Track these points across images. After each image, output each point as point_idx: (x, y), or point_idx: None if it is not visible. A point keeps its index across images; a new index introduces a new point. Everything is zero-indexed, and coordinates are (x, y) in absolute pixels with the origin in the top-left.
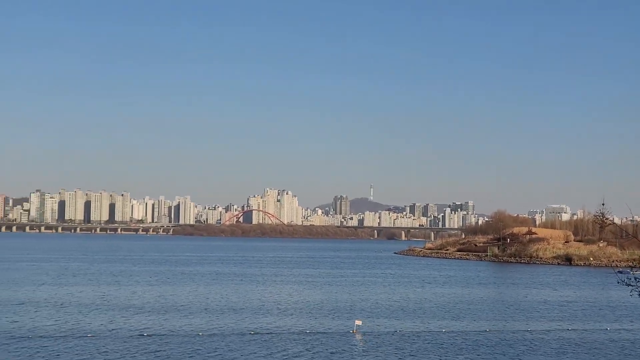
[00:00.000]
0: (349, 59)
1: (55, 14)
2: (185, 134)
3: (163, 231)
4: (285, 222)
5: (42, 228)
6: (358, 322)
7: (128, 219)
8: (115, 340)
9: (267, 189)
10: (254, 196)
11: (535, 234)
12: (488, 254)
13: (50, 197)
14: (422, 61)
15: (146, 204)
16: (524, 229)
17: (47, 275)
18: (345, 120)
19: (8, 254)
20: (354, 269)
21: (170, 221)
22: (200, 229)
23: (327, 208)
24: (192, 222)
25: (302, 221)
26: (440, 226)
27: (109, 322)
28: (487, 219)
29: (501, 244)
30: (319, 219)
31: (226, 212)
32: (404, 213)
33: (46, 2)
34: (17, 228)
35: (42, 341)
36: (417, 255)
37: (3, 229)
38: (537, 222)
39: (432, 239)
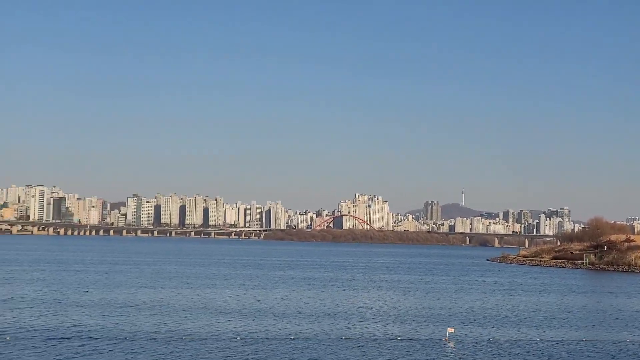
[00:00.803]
0: (443, 64)
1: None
2: (277, 139)
3: (255, 236)
4: (376, 228)
5: (139, 232)
6: (450, 330)
7: (221, 223)
8: (212, 343)
9: (358, 194)
10: (345, 201)
11: (634, 241)
12: (584, 262)
13: (147, 202)
14: (514, 67)
15: (238, 208)
16: (622, 237)
17: (146, 278)
18: (437, 127)
19: (110, 257)
20: (447, 275)
21: (261, 226)
22: (291, 234)
23: (417, 213)
24: (282, 227)
25: (393, 227)
26: (534, 233)
27: (205, 324)
28: (583, 226)
29: (598, 251)
30: (409, 225)
31: (317, 217)
32: (497, 219)
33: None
34: (114, 231)
35: (143, 343)
36: (510, 263)
37: (101, 232)
38: (636, 230)
39: (526, 246)
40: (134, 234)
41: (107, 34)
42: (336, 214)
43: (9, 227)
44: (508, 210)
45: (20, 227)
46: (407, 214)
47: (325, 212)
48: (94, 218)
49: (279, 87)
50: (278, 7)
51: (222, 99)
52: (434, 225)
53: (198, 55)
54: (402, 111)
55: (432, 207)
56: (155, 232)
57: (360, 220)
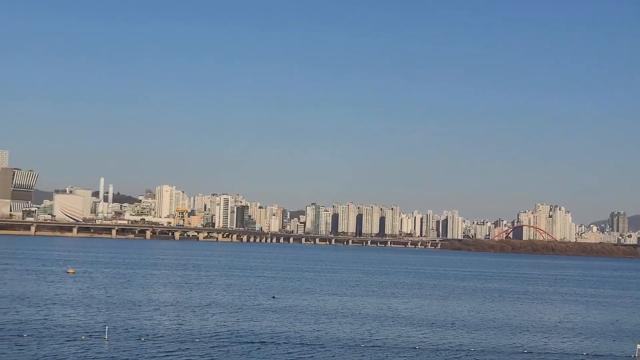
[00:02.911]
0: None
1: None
2: (452, 149)
3: (431, 245)
4: (558, 239)
5: (317, 239)
6: None
7: (397, 233)
8: (395, 352)
9: (539, 204)
10: (525, 211)
11: None
12: None
13: (325, 210)
14: None
15: (414, 217)
16: None
17: (333, 286)
18: (623, 134)
19: (294, 264)
20: (638, 290)
21: (437, 235)
22: (468, 244)
23: (602, 225)
24: (459, 237)
25: (576, 238)
26: None
27: (390, 333)
28: None
29: None
30: (593, 236)
31: (495, 227)
32: None
33: None
34: (294, 239)
35: (331, 349)
36: None
37: (281, 239)
38: None
39: None
40: (312, 242)
41: None
42: (515, 224)
43: (195, 234)
44: None
45: (207, 234)
46: (591, 225)
47: (504, 222)
48: (275, 226)
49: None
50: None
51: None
52: (620, 237)
53: None
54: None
55: (618, 217)
56: (333, 241)
57: (541, 231)
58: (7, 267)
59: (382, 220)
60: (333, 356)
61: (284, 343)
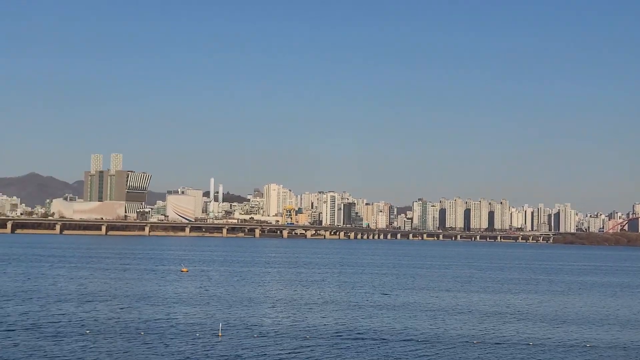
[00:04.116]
0: None
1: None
2: (561, 137)
3: (542, 239)
4: None
5: (424, 235)
6: None
7: (507, 227)
8: (504, 348)
9: None
10: None
11: None
12: None
13: (432, 206)
14: None
15: (525, 211)
16: None
17: (446, 282)
18: None
19: (405, 260)
20: None
21: (549, 229)
22: (582, 238)
23: None
24: (572, 231)
25: None
26: None
27: (509, 330)
28: None
29: None
30: None
31: (609, 219)
32: None
33: None
34: (401, 235)
35: (449, 346)
36: None
37: (389, 236)
38: None
39: None
40: (420, 238)
41: None
42: (631, 216)
43: (303, 231)
44: None
45: (314, 232)
46: None
47: (619, 214)
48: (382, 222)
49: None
50: None
51: (518, 106)
52: None
53: None
54: None
55: None
56: (441, 236)
57: None
58: (127, 266)
59: (491, 214)
60: (451, 353)
61: (402, 340)
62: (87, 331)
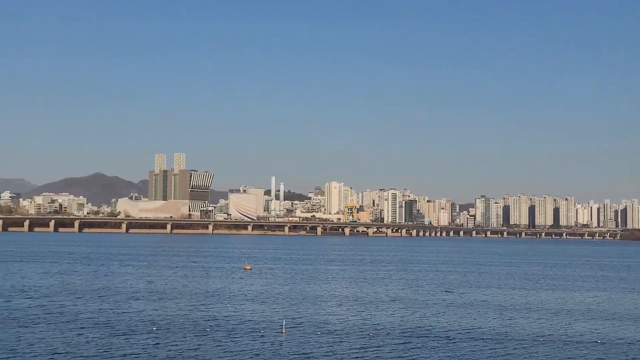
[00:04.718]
0: None
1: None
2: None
3: (609, 236)
4: None
5: (488, 232)
6: None
7: (572, 224)
8: (570, 346)
9: None
10: None
11: None
12: None
13: (495, 203)
14: None
15: (590, 208)
16: None
17: (515, 279)
18: None
19: (470, 257)
20: None
21: (616, 225)
22: None
23: None
24: None
25: None
26: None
27: (589, 328)
28: None
29: None
30: None
31: None
32: None
33: None
34: (464, 233)
35: (523, 345)
36: None
37: (451, 233)
38: None
39: None
40: (483, 235)
41: None
42: None
43: (365, 229)
44: None
45: (376, 229)
46: None
47: None
48: (444, 219)
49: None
50: None
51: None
52: None
53: None
54: None
55: None
56: (505, 233)
57: None
58: (195, 264)
59: (556, 211)
60: (518, 351)
61: (469, 338)
62: (155, 328)
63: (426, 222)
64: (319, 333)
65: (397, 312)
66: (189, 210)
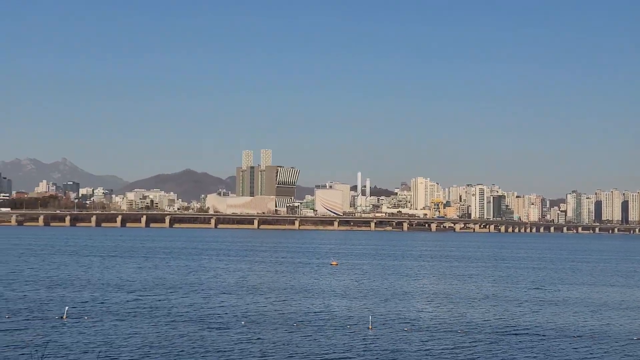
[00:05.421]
0: None
1: None
2: None
3: None
4: None
5: (579, 228)
6: None
7: None
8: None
9: None
10: None
11: None
12: None
13: (587, 198)
14: None
15: None
16: None
17: (605, 276)
18: None
19: (565, 254)
20: None
21: None
22: None
23: None
24: None
25: None
26: None
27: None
28: None
29: None
30: None
31: None
32: None
33: None
34: (554, 229)
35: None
36: None
37: (541, 229)
38: None
39: None
40: (574, 231)
41: None
42: None
43: (452, 225)
44: None
45: (463, 225)
46: None
47: None
48: (534, 215)
49: None
50: None
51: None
52: None
53: None
54: None
55: None
56: (597, 229)
57: None
58: (284, 259)
59: None
60: (614, 349)
61: (563, 336)
62: (243, 322)
63: (515, 218)
64: (406, 329)
65: (489, 310)
66: (276, 206)
